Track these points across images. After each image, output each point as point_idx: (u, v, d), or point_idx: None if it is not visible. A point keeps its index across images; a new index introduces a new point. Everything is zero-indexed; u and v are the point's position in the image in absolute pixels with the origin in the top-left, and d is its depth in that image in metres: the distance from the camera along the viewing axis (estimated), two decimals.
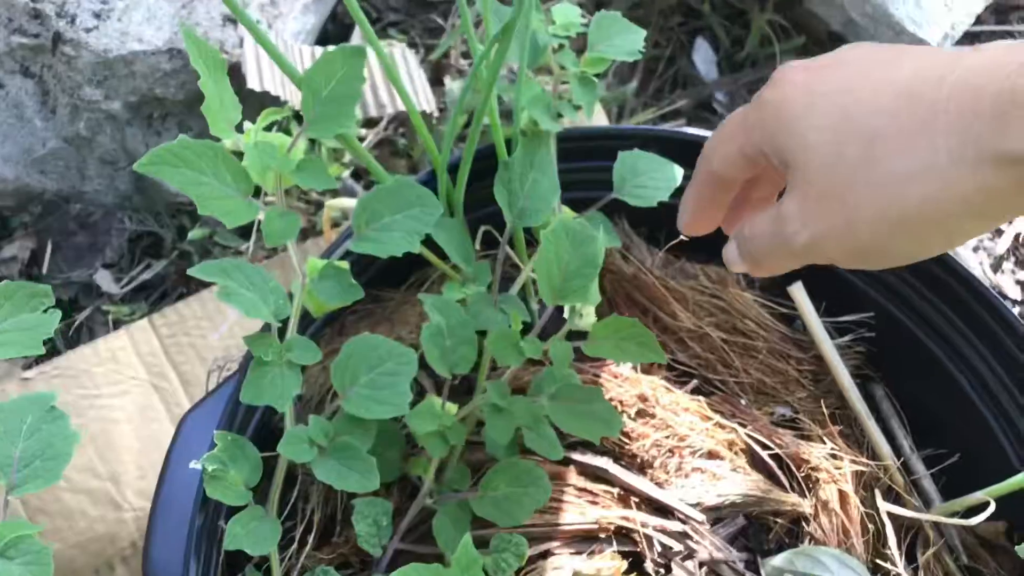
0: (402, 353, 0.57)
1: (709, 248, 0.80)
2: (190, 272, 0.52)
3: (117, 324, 0.94)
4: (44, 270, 0.93)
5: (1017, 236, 1.31)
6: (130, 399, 0.87)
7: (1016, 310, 1.29)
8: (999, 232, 1.32)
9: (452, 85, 1.12)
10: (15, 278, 0.91)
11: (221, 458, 0.52)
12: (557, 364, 0.60)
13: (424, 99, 1.04)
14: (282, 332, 0.57)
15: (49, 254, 0.93)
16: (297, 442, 0.54)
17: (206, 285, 0.97)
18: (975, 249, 1.31)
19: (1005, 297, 1.28)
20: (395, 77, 0.66)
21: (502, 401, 0.59)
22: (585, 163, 0.75)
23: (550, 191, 0.67)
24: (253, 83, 0.89)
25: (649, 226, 0.79)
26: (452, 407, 0.62)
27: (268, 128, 0.61)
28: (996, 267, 1.31)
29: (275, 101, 0.94)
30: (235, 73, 0.92)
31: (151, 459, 0.87)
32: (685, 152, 0.75)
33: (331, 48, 0.59)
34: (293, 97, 0.94)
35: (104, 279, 0.94)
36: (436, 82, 1.14)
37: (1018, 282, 1.31)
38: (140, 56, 0.87)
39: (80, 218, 0.94)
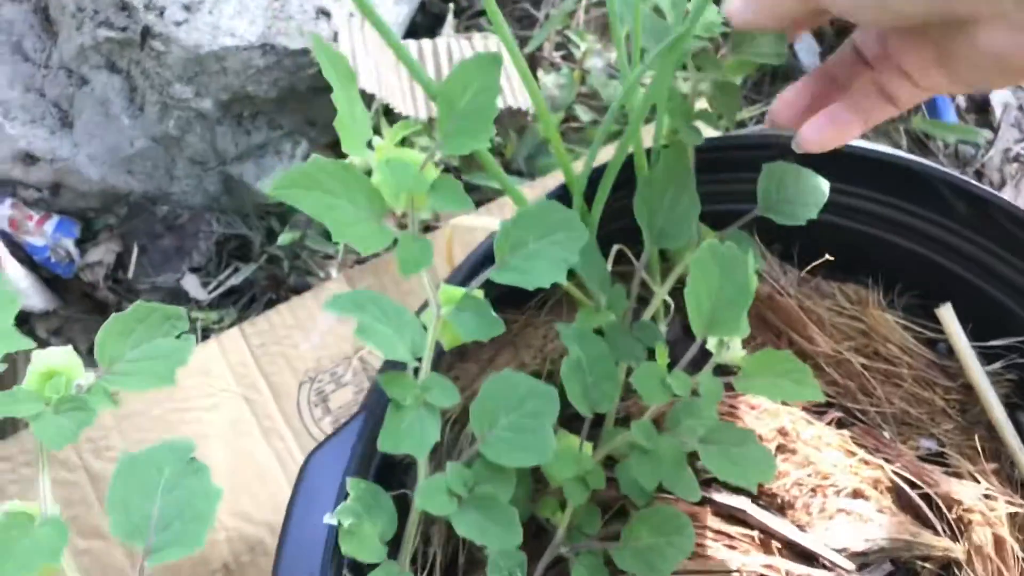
0: (544, 393, 0.52)
1: (847, 266, 0.74)
2: (325, 308, 0.47)
3: (205, 331, 0.89)
4: (130, 274, 0.89)
5: None
6: (221, 412, 0.83)
7: None
8: None
9: (546, 80, 1.06)
10: (100, 283, 0.87)
11: (356, 509, 0.48)
12: (706, 403, 0.54)
13: (520, 94, 0.98)
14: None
15: (135, 258, 0.89)
16: (436, 493, 0.49)
17: (296, 291, 0.92)
18: None
19: None
20: (530, 82, 0.61)
21: (648, 443, 0.54)
22: (720, 175, 0.69)
23: (691, 209, 0.61)
24: None
25: (782, 242, 0.73)
26: (589, 447, 0.57)
27: (400, 143, 0.56)
28: None
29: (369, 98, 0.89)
30: None
31: (243, 477, 0.82)
32: (826, 162, 0.70)
33: (466, 58, 0.54)
34: (388, 95, 0.89)
35: (191, 284, 0.90)
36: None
37: None
38: (232, 52, 0.82)
39: (167, 220, 0.89)
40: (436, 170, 0.56)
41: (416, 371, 0.51)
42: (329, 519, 0.47)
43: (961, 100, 1.29)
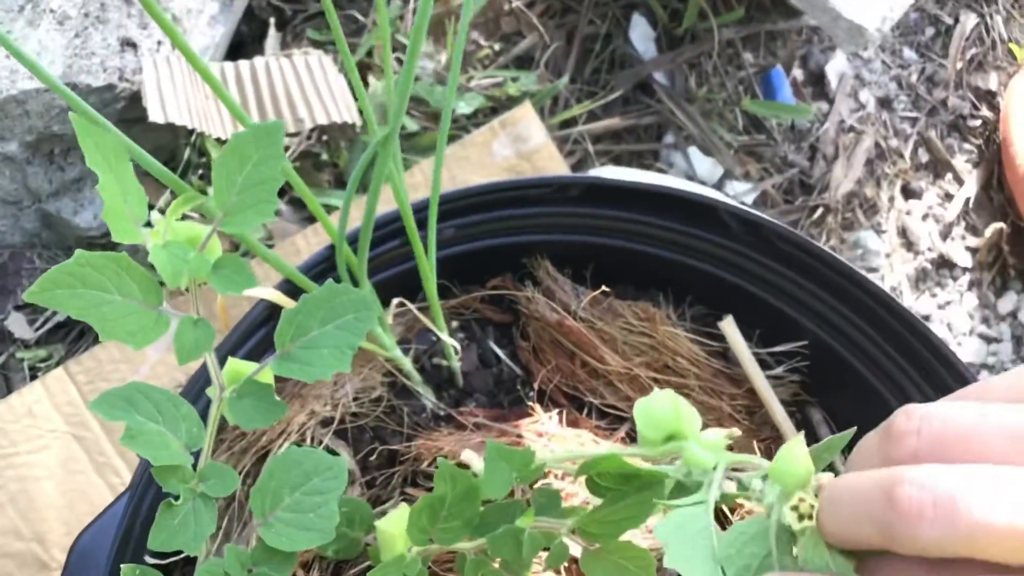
0: (330, 467, 0.52)
1: (640, 285, 0.78)
2: (90, 407, 0.48)
3: (33, 370, 0.90)
4: None
5: (967, 200, 1.30)
6: (50, 454, 0.84)
7: (967, 277, 1.28)
8: (949, 197, 1.30)
9: (377, 86, 1.07)
10: None
11: None
12: (551, 562, 0.54)
13: (344, 108, 1.00)
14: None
15: None
16: None
17: None
18: (924, 217, 1.29)
19: (954, 266, 1.27)
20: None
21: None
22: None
23: None
24: (155, 115, 0.84)
25: (574, 266, 0.76)
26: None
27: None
28: (945, 235, 1.29)
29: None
30: (135, 103, 0.87)
31: (77, 512, 0.84)
32: (617, 196, 0.73)
33: (241, 130, 0.53)
34: (202, 124, 0.89)
35: (17, 323, 0.90)
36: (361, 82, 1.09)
37: (968, 248, 1.30)
38: (32, 95, 0.82)
39: None
40: (219, 247, 0.56)
41: (195, 464, 0.52)
42: None
43: (798, 73, 1.33)
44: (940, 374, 0.71)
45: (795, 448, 0.40)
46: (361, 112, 1.03)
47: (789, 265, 0.74)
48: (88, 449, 0.85)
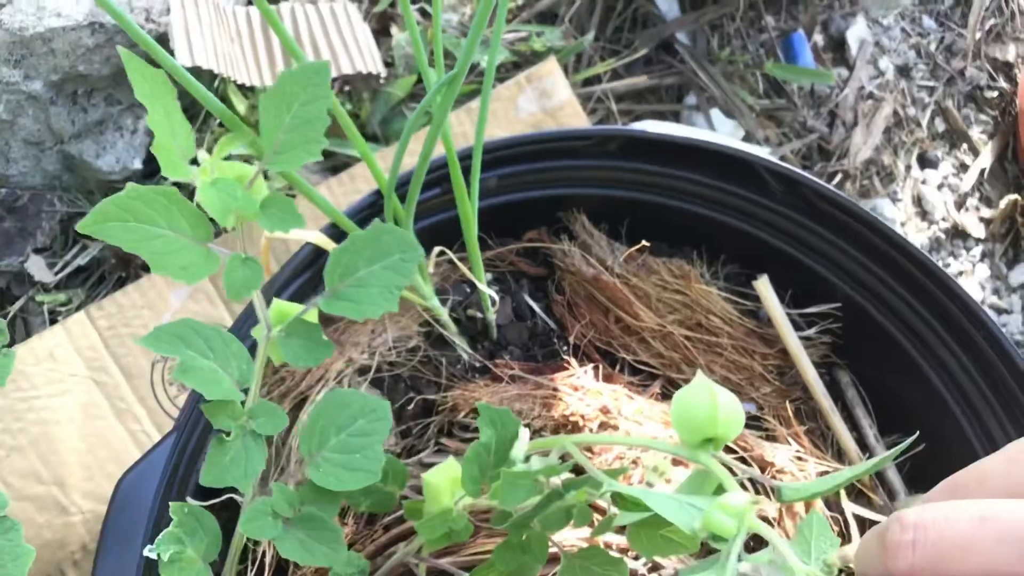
0: (375, 408, 0.52)
1: (674, 242, 0.77)
2: (139, 343, 0.48)
3: (53, 313, 0.89)
4: None
5: (982, 172, 1.30)
6: (71, 398, 0.84)
7: (979, 248, 1.28)
8: (964, 168, 1.30)
9: (400, 37, 1.06)
10: None
11: (178, 536, 0.49)
12: (578, 521, 0.53)
13: (369, 58, 0.98)
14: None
15: None
16: (260, 517, 0.50)
17: (147, 269, 0.92)
18: (939, 187, 1.29)
19: (968, 237, 1.27)
20: None
21: (519, 538, 0.54)
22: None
23: None
24: (183, 57, 0.83)
25: (610, 221, 0.76)
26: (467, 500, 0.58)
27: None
28: (960, 205, 1.29)
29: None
30: (161, 46, 0.86)
31: (97, 457, 0.84)
32: (650, 149, 0.72)
33: (289, 70, 0.52)
34: (229, 68, 0.88)
35: (36, 266, 0.89)
36: (383, 32, 1.07)
37: (981, 219, 1.30)
38: (59, 33, 0.80)
39: (6, 203, 0.88)
40: (265, 187, 0.55)
41: (243, 401, 0.51)
42: (149, 552, 0.49)
43: (819, 38, 1.32)
44: (973, 336, 0.71)
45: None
46: (388, 63, 1.01)
47: (825, 224, 0.73)
48: (108, 395, 0.85)
